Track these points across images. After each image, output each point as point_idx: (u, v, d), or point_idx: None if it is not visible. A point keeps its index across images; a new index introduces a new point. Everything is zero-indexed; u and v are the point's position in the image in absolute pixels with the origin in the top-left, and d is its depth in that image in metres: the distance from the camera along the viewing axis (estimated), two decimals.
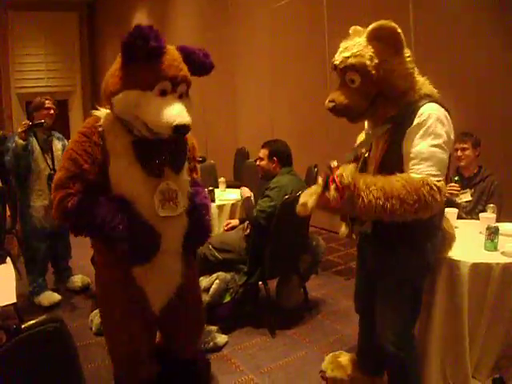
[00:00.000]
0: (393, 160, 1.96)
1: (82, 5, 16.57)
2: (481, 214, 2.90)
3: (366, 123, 2.25)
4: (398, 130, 1.93)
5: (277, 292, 3.66)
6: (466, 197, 3.40)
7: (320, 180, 1.94)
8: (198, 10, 9.66)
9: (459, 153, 3.45)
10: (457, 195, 3.35)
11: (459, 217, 3.07)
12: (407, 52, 1.93)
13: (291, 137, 5.03)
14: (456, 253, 2.42)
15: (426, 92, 1.96)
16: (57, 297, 4.03)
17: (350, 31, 2.06)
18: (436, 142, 1.85)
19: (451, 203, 3.27)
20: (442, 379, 2.48)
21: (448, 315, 2.42)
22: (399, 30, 1.86)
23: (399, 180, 1.80)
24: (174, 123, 1.89)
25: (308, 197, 1.94)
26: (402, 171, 1.90)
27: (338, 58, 1.95)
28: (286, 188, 3.30)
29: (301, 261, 3.59)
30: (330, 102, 1.96)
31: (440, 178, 1.85)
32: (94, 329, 3.46)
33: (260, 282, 3.49)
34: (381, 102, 1.94)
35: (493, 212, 2.91)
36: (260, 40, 7.25)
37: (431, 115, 1.87)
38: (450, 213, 2.97)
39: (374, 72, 1.85)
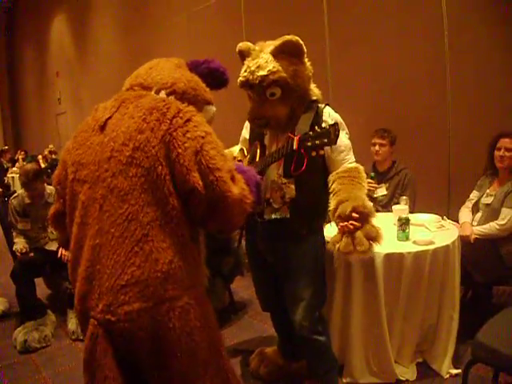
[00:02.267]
0: None
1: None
2: (394, 207, 2.98)
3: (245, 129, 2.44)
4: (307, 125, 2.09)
5: None
6: (381, 191, 3.48)
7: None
8: (116, 15, 9.46)
9: (377, 147, 3.52)
10: (373, 191, 3.42)
11: (375, 210, 3.15)
12: (306, 58, 2.11)
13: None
14: None
15: (316, 93, 2.21)
16: None
17: (241, 48, 2.20)
18: (348, 135, 2.21)
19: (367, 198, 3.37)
20: (366, 367, 2.55)
21: (366, 305, 2.48)
22: (301, 42, 2.03)
23: (355, 177, 2.15)
24: None
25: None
26: None
27: (253, 77, 2.03)
28: None
29: (223, 263, 3.57)
30: (259, 119, 2.10)
31: None
32: (18, 347, 3.31)
33: None
34: (297, 104, 2.12)
35: (405, 204, 2.98)
36: (179, 44, 7.21)
37: (337, 115, 2.19)
38: None
39: (291, 82, 2.03)
